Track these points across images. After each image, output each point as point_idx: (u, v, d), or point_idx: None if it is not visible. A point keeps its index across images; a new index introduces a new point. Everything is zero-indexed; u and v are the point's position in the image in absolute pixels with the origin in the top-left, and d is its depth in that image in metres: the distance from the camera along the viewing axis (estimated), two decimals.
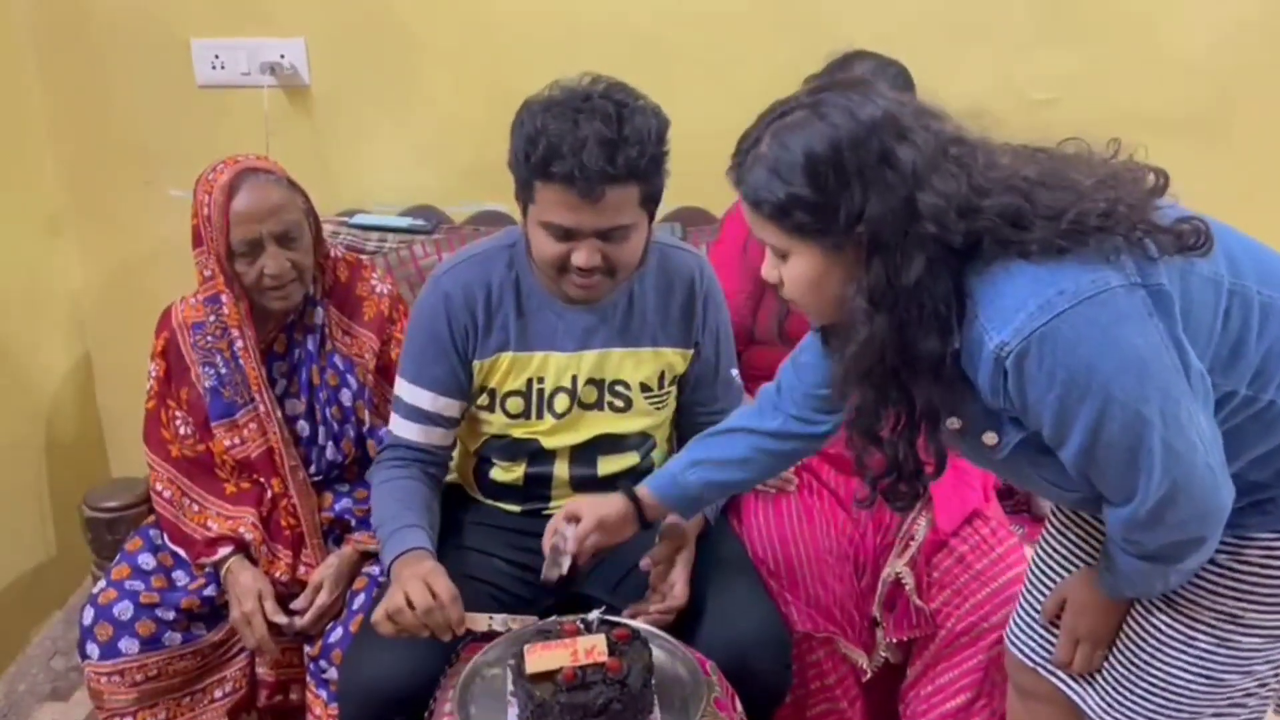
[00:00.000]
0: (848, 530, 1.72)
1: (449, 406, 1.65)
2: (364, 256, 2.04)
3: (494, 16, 2.18)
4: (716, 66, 2.14)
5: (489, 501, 1.74)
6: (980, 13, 2.08)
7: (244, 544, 1.72)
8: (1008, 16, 2.08)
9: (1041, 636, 1.42)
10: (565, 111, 1.44)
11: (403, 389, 1.66)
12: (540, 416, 1.65)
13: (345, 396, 1.78)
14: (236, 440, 1.75)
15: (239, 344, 1.71)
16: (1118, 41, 2.06)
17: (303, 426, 1.78)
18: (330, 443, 1.78)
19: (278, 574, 1.72)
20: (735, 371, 1.74)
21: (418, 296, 1.69)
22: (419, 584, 1.43)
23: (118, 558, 1.76)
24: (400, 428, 1.67)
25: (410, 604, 1.41)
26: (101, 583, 1.71)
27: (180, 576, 1.74)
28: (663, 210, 2.09)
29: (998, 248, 1.07)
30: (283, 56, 2.21)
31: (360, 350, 1.79)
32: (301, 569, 1.74)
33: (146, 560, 1.75)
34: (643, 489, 1.52)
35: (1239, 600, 1.20)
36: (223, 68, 2.23)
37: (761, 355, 1.85)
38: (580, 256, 1.49)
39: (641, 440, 1.71)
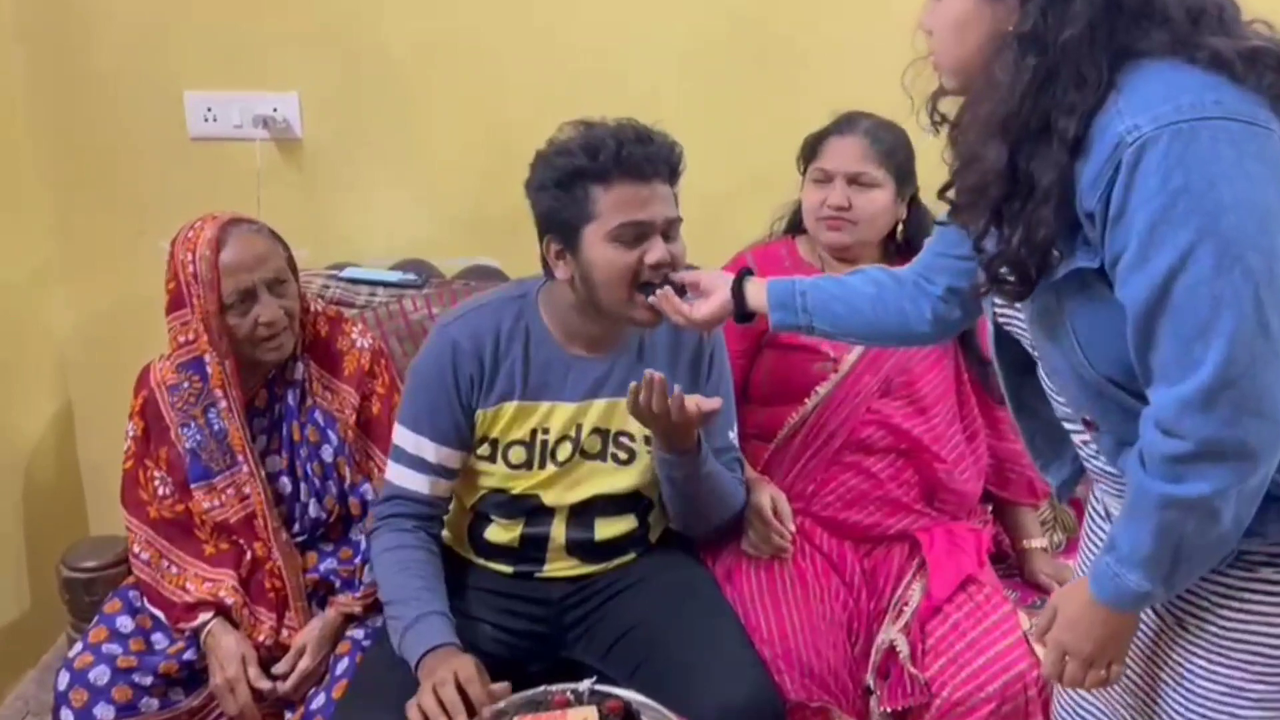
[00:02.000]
0: (841, 596, 1.70)
1: (451, 457, 1.63)
2: (351, 310, 2.04)
3: (488, 72, 2.19)
4: (715, 128, 2.14)
5: (480, 561, 1.71)
6: None
7: (224, 608, 1.68)
8: None
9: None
10: (590, 132, 1.51)
11: (405, 439, 1.63)
12: (543, 466, 1.63)
13: (326, 453, 1.75)
14: (216, 503, 1.72)
15: (222, 404, 1.69)
16: None
17: (284, 484, 1.75)
18: (313, 500, 1.74)
19: (260, 638, 1.68)
20: (734, 435, 1.73)
21: (423, 345, 1.68)
22: (452, 689, 1.38)
23: (95, 619, 1.72)
24: (403, 478, 1.63)
25: (444, 709, 1.37)
26: (78, 646, 1.67)
27: (159, 640, 1.70)
28: None
29: (1166, 45, 1.00)
30: (275, 110, 2.21)
31: (341, 405, 1.76)
32: (285, 632, 1.70)
33: (125, 623, 1.70)
34: (751, 279, 1.45)
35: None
36: (215, 120, 2.22)
37: (754, 416, 1.84)
38: (656, 253, 1.50)
39: (638, 502, 1.69)
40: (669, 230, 1.53)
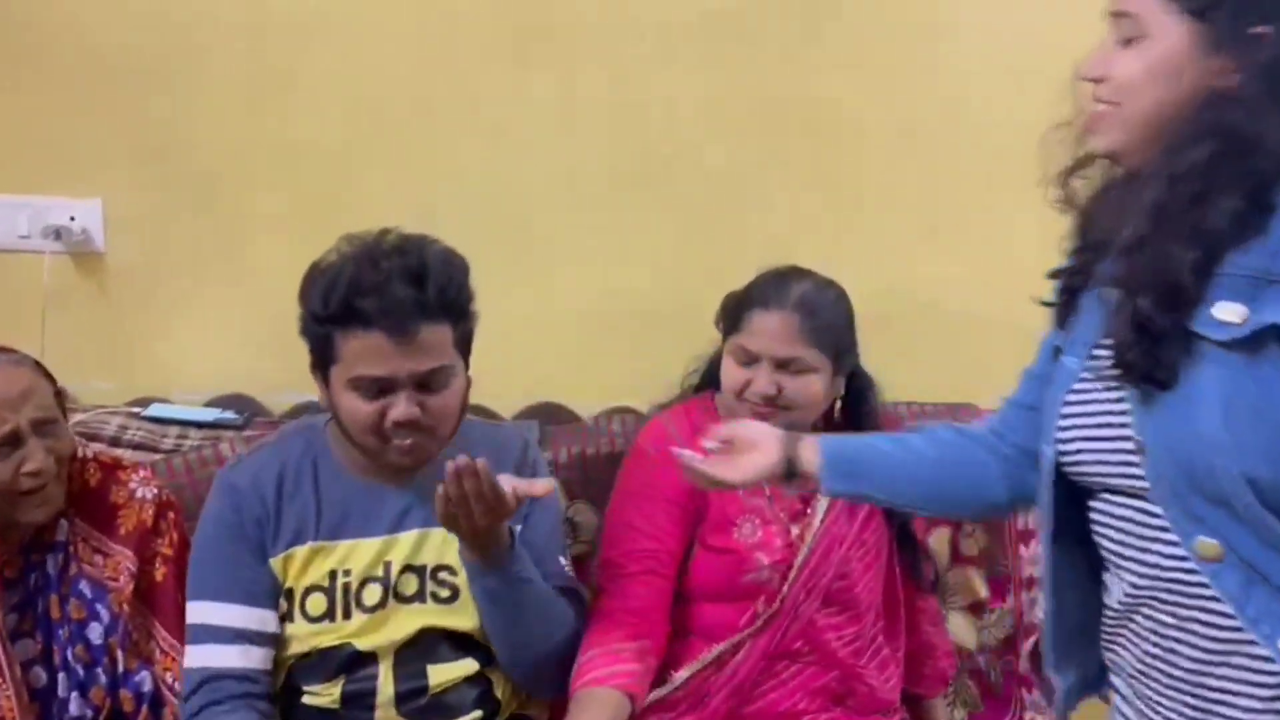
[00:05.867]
0: None
1: (259, 618, 1.45)
2: (155, 456, 1.76)
3: (327, 182, 1.98)
4: (587, 250, 1.99)
5: None
6: (870, 209, 2.00)
7: None
8: (895, 214, 2.00)
9: None
10: (361, 255, 1.37)
11: (202, 611, 1.44)
12: (348, 616, 1.45)
13: (94, 632, 1.47)
14: None
15: None
16: (1001, 246, 1.99)
17: (38, 674, 1.45)
18: (74, 694, 1.45)
19: None
20: (566, 563, 1.56)
21: (204, 504, 1.49)
22: None
23: None
24: (208, 658, 1.43)
25: None
26: None
27: None
28: (519, 404, 1.93)
29: None
30: (73, 219, 1.95)
31: (115, 572, 1.49)
32: None
33: None
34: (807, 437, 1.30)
35: None
36: None
37: (697, 614, 1.59)
38: (398, 410, 1.36)
39: (476, 644, 1.48)
40: (429, 380, 1.38)
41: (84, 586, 1.48)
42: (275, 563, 1.46)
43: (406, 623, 1.45)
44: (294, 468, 1.48)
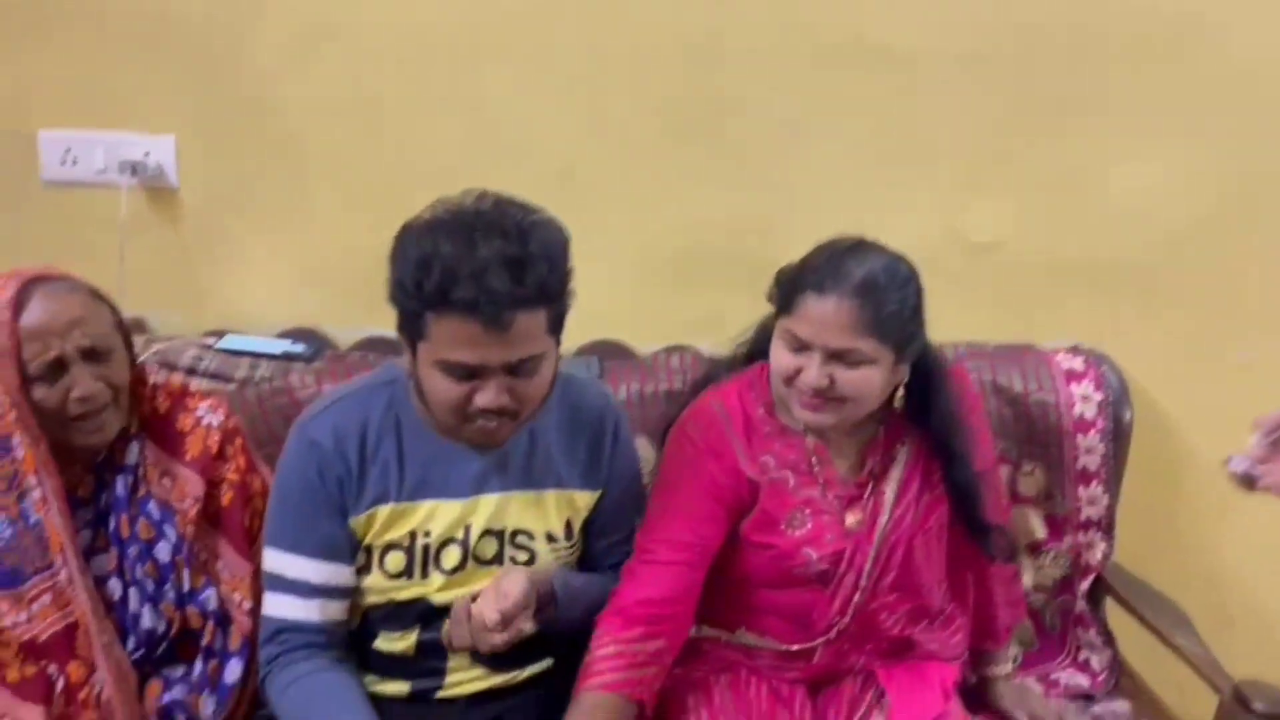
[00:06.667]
0: None
1: (339, 573, 1.44)
2: (229, 385, 1.80)
3: (392, 128, 1.99)
4: (636, 196, 1.98)
5: (372, 687, 1.47)
6: (922, 155, 1.97)
7: None
8: (951, 158, 1.98)
9: None
10: (458, 231, 1.26)
11: (280, 562, 1.43)
12: (425, 575, 1.44)
13: (162, 551, 1.49)
14: (22, 617, 1.42)
15: (36, 494, 1.41)
16: (1064, 187, 1.98)
17: (113, 587, 1.48)
18: (147, 608, 1.47)
19: None
20: (640, 519, 1.53)
21: (284, 449, 1.46)
22: None
23: None
24: (285, 609, 1.43)
25: None
26: None
27: None
28: (575, 342, 1.95)
29: None
30: (148, 154, 1.97)
31: (182, 495, 1.51)
32: None
33: None
34: None
35: None
36: (75, 163, 1.98)
37: (759, 593, 1.53)
38: (486, 397, 1.31)
39: None
40: (519, 368, 1.31)
41: (152, 507, 1.51)
42: (355, 522, 1.43)
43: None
44: (377, 425, 1.43)
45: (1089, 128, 1.93)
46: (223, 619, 1.52)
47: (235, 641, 1.51)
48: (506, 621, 1.34)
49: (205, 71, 1.97)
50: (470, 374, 1.30)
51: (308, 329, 2.02)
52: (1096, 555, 1.88)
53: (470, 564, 1.44)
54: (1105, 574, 1.89)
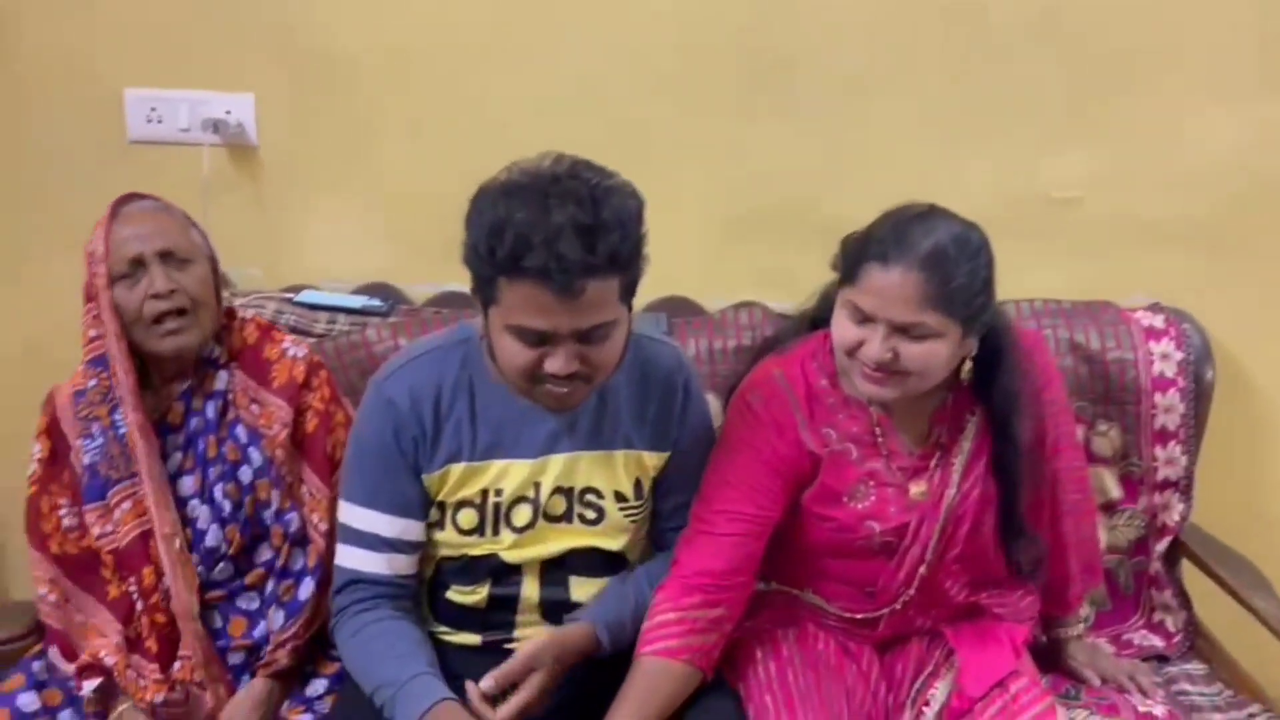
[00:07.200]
0: (859, 694, 1.51)
1: (410, 529, 1.46)
2: (309, 339, 1.83)
3: (464, 87, 2.00)
4: (701, 148, 1.97)
5: (444, 636, 1.51)
6: (1004, 106, 1.94)
7: (106, 670, 1.49)
8: (1025, 113, 1.94)
9: None
10: (532, 196, 1.26)
11: (353, 515, 1.46)
12: (497, 533, 1.46)
13: (244, 474, 1.56)
14: (108, 528, 1.51)
15: (127, 406, 1.50)
16: (1141, 142, 1.93)
17: (194, 508, 1.55)
18: (214, 525, 1.54)
19: (149, 697, 1.46)
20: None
21: (360, 406, 1.49)
22: None
23: None
24: (357, 560, 1.46)
25: None
26: None
27: (67, 718, 1.47)
28: (644, 299, 1.94)
29: None
30: (229, 113, 2.01)
31: (269, 421, 1.57)
32: (177, 665, 1.50)
33: (28, 701, 1.48)
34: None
35: None
36: (159, 122, 2.02)
37: (825, 562, 1.52)
38: (557, 363, 1.31)
39: (619, 561, 1.51)
40: (590, 334, 1.31)
41: (240, 431, 1.57)
42: (429, 480, 1.45)
43: (554, 542, 1.47)
44: (451, 385, 1.44)
45: (1163, 84, 1.89)
46: (299, 540, 1.57)
47: (312, 560, 1.57)
48: (501, 687, 1.36)
49: (281, 29, 1.99)
50: (541, 339, 1.30)
51: (383, 284, 2.05)
52: (1174, 516, 1.85)
53: (541, 522, 1.46)
54: (1182, 535, 1.86)
